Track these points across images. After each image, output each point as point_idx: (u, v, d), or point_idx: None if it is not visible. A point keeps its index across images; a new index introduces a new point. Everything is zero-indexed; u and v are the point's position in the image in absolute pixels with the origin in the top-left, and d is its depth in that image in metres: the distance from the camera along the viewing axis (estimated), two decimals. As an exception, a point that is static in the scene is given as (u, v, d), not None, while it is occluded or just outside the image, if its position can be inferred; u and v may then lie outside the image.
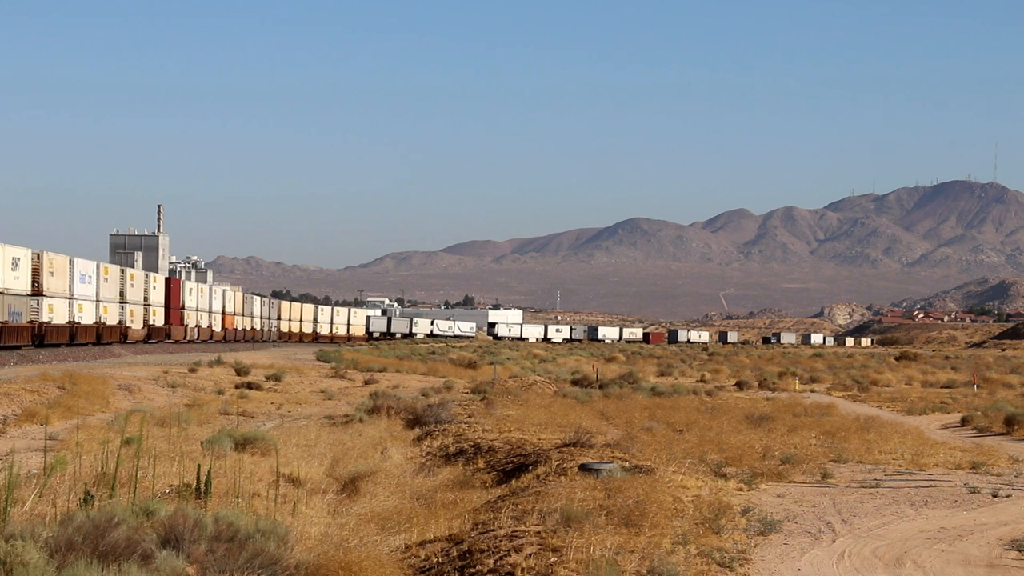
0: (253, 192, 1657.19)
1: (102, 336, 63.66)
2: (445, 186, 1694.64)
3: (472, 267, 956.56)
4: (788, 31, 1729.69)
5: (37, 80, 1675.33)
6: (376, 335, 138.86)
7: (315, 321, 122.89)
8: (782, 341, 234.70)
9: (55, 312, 56.75)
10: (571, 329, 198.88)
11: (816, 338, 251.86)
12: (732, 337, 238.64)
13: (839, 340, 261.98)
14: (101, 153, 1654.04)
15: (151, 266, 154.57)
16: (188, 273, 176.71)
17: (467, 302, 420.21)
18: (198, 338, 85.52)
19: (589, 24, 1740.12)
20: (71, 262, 59.23)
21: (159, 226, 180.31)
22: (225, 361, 53.54)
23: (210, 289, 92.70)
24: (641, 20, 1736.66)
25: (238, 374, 47.08)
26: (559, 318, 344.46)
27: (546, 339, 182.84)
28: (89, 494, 12.47)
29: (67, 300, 59.00)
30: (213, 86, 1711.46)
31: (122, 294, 68.19)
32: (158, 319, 76.14)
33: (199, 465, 14.69)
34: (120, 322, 67.62)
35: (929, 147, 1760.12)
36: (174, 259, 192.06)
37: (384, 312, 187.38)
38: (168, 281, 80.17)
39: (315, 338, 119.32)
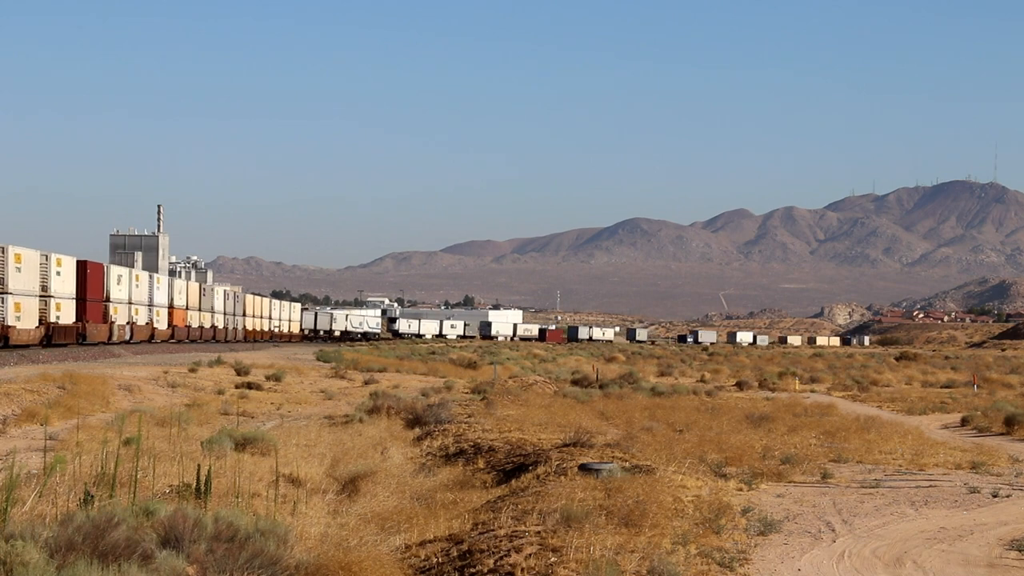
0: (253, 192, 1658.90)
1: None
2: (445, 186, 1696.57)
3: (472, 267, 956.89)
4: (788, 31, 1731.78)
5: (37, 80, 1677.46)
6: (307, 331, 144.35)
7: (271, 318, 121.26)
8: (700, 340, 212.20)
9: None
10: (465, 325, 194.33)
11: (744, 336, 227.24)
12: (641, 335, 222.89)
13: (783, 339, 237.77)
14: (101, 153, 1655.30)
15: (151, 266, 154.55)
16: (188, 273, 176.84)
17: (467, 302, 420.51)
18: (131, 338, 68.82)
19: (589, 24, 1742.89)
20: None
21: (159, 226, 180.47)
22: (225, 361, 53.61)
23: (150, 277, 75.81)
24: (641, 20, 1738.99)
25: (238, 374, 47.12)
26: (559, 318, 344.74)
27: (440, 335, 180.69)
28: (89, 494, 12.45)
29: None
30: (213, 86, 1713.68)
31: (1, 281, 50.20)
32: (65, 315, 57.69)
33: (199, 465, 14.67)
34: None
35: (929, 147, 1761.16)
36: (174, 259, 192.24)
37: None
38: (83, 265, 61.45)
39: (271, 336, 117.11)
